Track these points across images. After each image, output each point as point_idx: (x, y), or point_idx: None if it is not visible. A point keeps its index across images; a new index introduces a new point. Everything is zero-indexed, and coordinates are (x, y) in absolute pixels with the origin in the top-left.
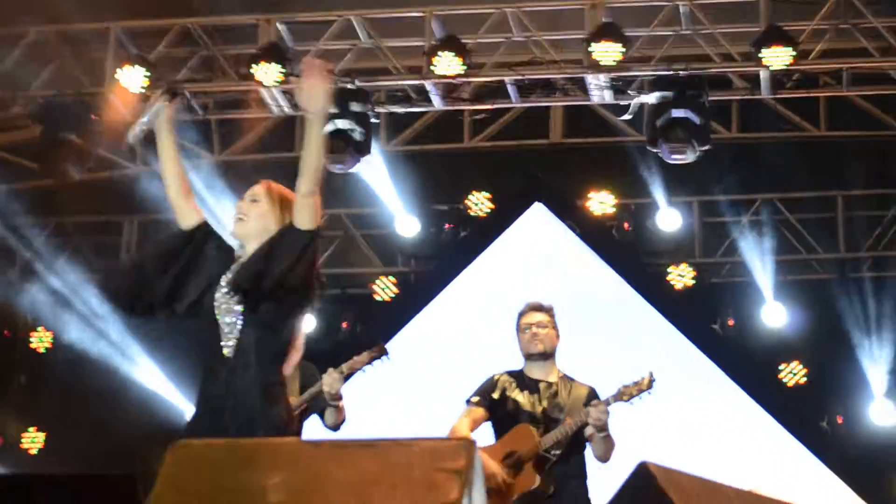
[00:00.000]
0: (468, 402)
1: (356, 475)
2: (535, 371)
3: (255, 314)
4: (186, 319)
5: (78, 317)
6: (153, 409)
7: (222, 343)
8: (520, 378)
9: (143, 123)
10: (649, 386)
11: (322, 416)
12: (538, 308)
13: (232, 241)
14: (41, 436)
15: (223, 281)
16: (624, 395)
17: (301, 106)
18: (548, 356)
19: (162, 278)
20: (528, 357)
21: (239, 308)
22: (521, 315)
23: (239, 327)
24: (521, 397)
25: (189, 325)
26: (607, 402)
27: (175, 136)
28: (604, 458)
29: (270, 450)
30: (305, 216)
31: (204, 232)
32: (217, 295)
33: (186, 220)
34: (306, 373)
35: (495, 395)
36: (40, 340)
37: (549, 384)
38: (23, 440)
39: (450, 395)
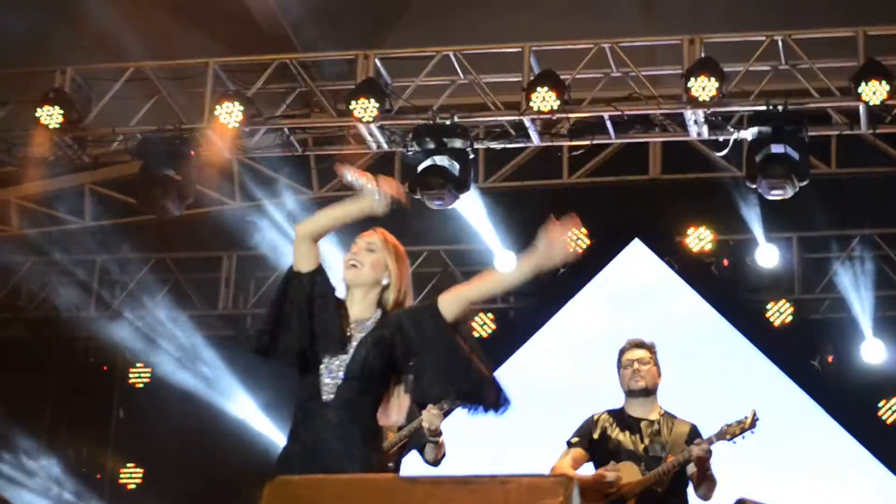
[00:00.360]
0: (568, 443)
1: None
2: (636, 409)
3: (363, 369)
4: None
5: (177, 352)
6: (250, 445)
7: (322, 387)
8: (620, 416)
9: (356, 181)
10: (752, 425)
11: (422, 451)
12: (640, 345)
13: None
14: (139, 471)
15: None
16: (727, 433)
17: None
18: (649, 393)
19: (298, 322)
20: (630, 393)
21: (346, 358)
22: (622, 352)
23: (342, 377)
24: (622, 436)
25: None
26: (710, 441)
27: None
28: (706, 496)
29: (367, 486)
30: (454, 304)
31: (323, 275)
32: (327, 343)
33: (307, 263)
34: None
35: (595, 435)
36: (139, 376)
37: (651, 422)
38: (121, 475)
39: (551, 434)
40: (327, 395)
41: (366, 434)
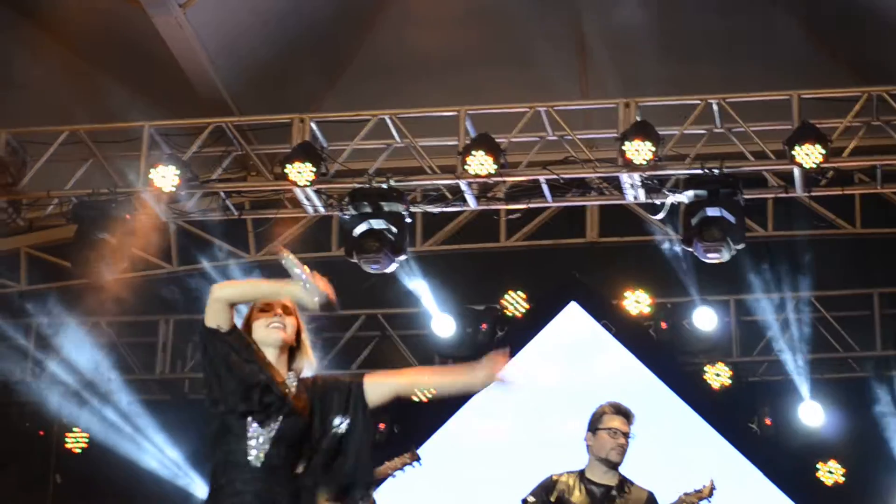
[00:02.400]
0: (523, 501)
1: None
2: (598, 474)
3: (294, 432)
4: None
5: (113, 418)
6: None
7: (248, 450)
8: (580, 479)
9: (293, 267)
10: (710, 494)
11: None
12: (628, 416)
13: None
14: None
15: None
16: (685, 503)
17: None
18: (619, 465)
19: (228, 379)
20: (602, 461)
21: (277, 425)
22: (607, 415)
23: (272, 438)
24: (581, 500)
25: (201, 416)
26: None
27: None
28: None
29: None
30: (381, 398)
31: (240, 333)
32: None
33: (224, 322)
34: None
35: (552, 497)
36: (76, 440)
37: (609, 488)
38: None
39: (494, 493)
40: (255, 459)
41: (293, 496)
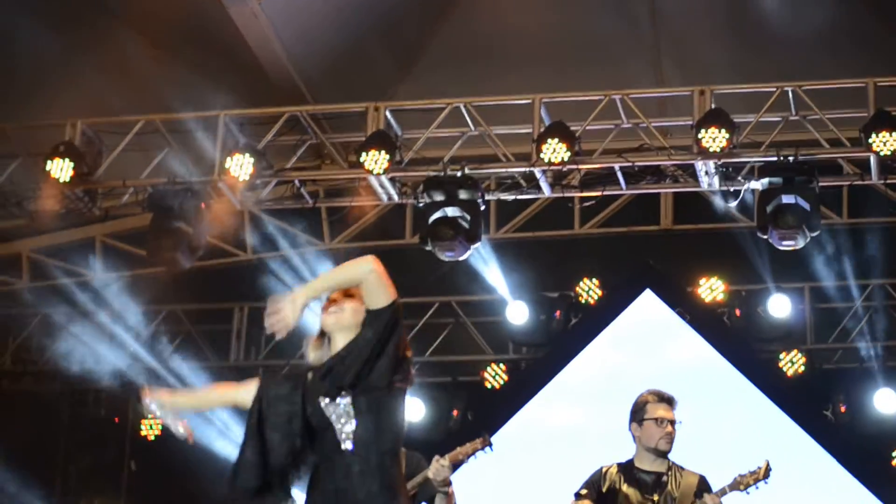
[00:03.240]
0: (577, 494)
1: None
2: (647, 462)
3: (365, 403)
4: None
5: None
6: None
7: (339, 437)
8: (629, 469)
9: (169, 421)
10: (766, 475)
11: (432, 503)
12: (671, 402)
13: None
14: None
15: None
16: (740, 484)
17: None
18: (668, 453)
19: (265, 456)
20: (651, 450)
21: (346, 401)
22: (647, 404)
23: (354, 421)
24: (631, 491)
25: None
26: (723, 492)
27: (188, 395)
28: None
29: None
30: (377, 293)
31: (266, 384)
32: (319, 404)
33: (250, 397)
34: (412, 461)
35: (604, 489)
36: (150, 428)
37: (659, 475)
38: None
39: (559, 485)
40: (345, 442)
41: (386, 480)
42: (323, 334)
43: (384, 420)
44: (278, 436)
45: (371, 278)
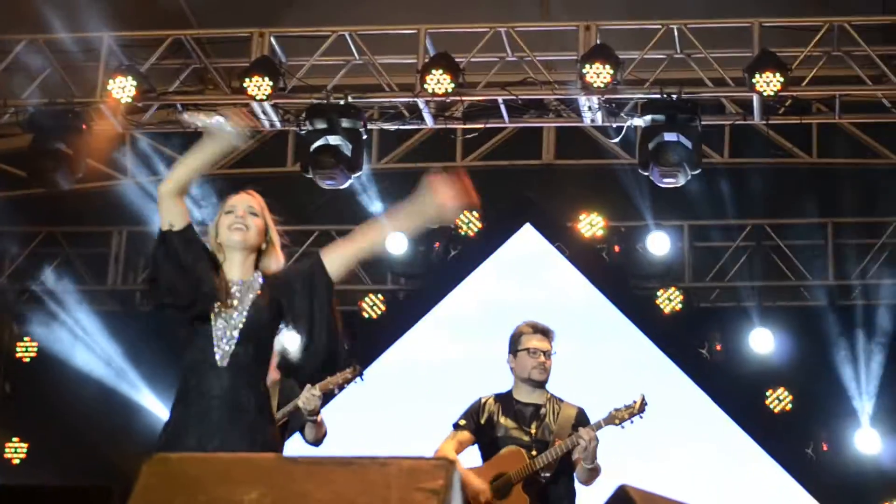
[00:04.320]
0: (455, 425)
1: (333, 494)
2: (525, 394)
3: (257, 330)
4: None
5: (64, 328)
6: (135, 421)
7: (215, 351)
8: (507, 401)
9: (205, 122)
10: (641, 409)
11: (302, 432)
12: (546, 333)
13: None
14: (24, 446)
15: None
16: (616, 418)
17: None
18: (545, 384)
19: (182, 282)
20: (526, 381)
21: (240, 320)
22: (522, 335)
23: (237, 339)
24: (509, 422)
25: (168, 329)
26: (598, 426)
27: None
28: (588, 482)
29: (247, 465)
30: (340, 270)
31: (194, 231)
32: (212, 293)
33: (176, 219)
34: (285, 389)
35: (482, 420)
36: (26, 350)
37: (538, 407)
38: (6, 450)
39: (436, 416)
40: (221, 359)
41: (258, 400)
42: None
43: (263, 346)
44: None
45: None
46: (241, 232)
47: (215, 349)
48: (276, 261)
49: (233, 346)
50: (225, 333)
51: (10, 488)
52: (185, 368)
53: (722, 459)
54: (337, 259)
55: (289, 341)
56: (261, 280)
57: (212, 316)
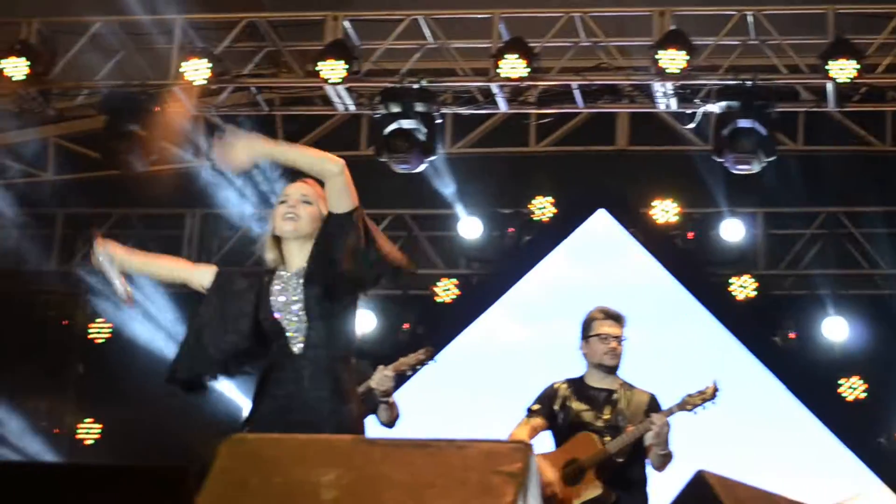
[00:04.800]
0: (528, 410)
1: (410, 476)
2: (597, 379)
3: (322, 308)
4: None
5: (137, 309)
6: (210, 402)
7: (290, 342)
8: (580, 386)
9: (113, 279)
10: (713, 395)
11: (376, 413)
12: (618, 319)
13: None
14: (97, 427)
15: (293, 283)
16: (688, 404)
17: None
18: (617, 369)
19: (206, 349)
20: (598, 367)
21: (300, 306)
22: (594, 320)
23: (305, 324)
24: (582, 407)
25: None
26: (670, 411)
27: (127, 254)
28: (660, 468)
29: (324, 447)
30: (345, 197)
31: (223, 277)
32: (275, 300)
33: (203, 281)
34: (358, 370)
35: (556, 406)
36: (99, 331)
37: (610, 392)
38: (78, 430)
39: (509, 401)
40: (296, 347)
41: (337, 384)
42: (276, 239)
43: (337, 326)
44: (225, 331)
45: (339, 181)
46: (291, 222)
47: (290, 339)
48: None
49: (305, 331)
50: (292, 322)
51: (85, 467)
52: (267, 360)
53: (794, 447)
54: (338, 190)
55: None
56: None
57: (277, 313)
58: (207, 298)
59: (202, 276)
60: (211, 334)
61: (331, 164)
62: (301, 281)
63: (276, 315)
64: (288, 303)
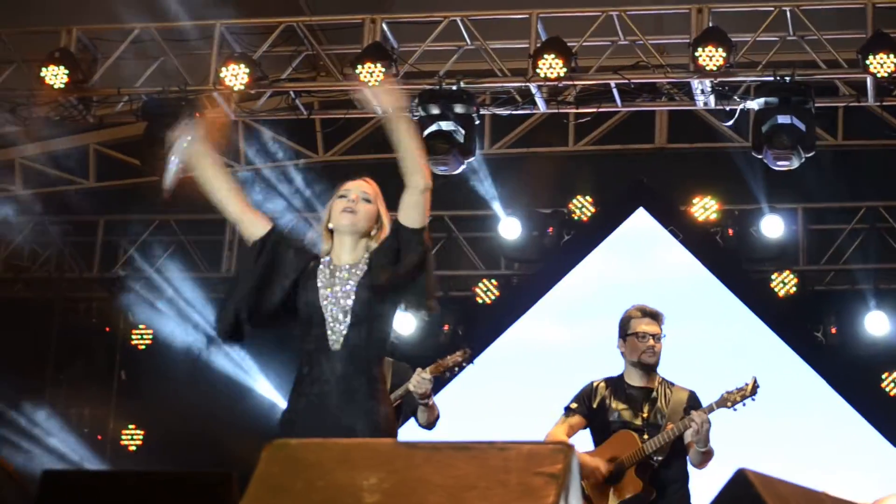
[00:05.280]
0: (566, 408)
1: (452, 478)
2: (636, 378)
3: (368, 310)
4: (276, 326)
5: (178, 314)
6: (251, 407)
7: (329, 336)
8: (619, 385)
9: (175, 164)
10: (753, 392)
11: (415, 415)
12: (656, 317)
13: (313, 241)
14: (140, 433)
15: (344, 276)
16: (728, 401)
17: (383, 106)
18: (656, 367)
19: (244, 296)
20: (636, 365)
21: (350, 302)
22: (632, 319)
23: (349, 322)
24: (621, 405)
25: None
26: (710, 408)
27: (215, 156)
28: (701, 465)
29: (366, 450)
30: (419, 214)
31: (276, 237)
32: (323, 290)
33: (255, 231)
34: (399, 372)
35: (594, 404)
36: (141, 337)
37: (649, 391)
38: (122, 437)
39: (549, 400)
40: (334, 343)
41: (371, 384)
42: (329, 232)
43: (377, 328)
44: (258, 289)
45: (420, 196)
46: (350, 215)
47: (329, 333)
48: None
49: (346, 329)
50: (337, 317)
51: (130, 474)
52: (301, 355)
53: (838, 443)
54: (413, 207)
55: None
56: (367, 263)
57: (323, 302)
58: (267, 248)
59: (254, 225)
60: (247, 286)
61: (421, 177)
62: (353, 279)
63: (322, 304)
64: (336, 296)
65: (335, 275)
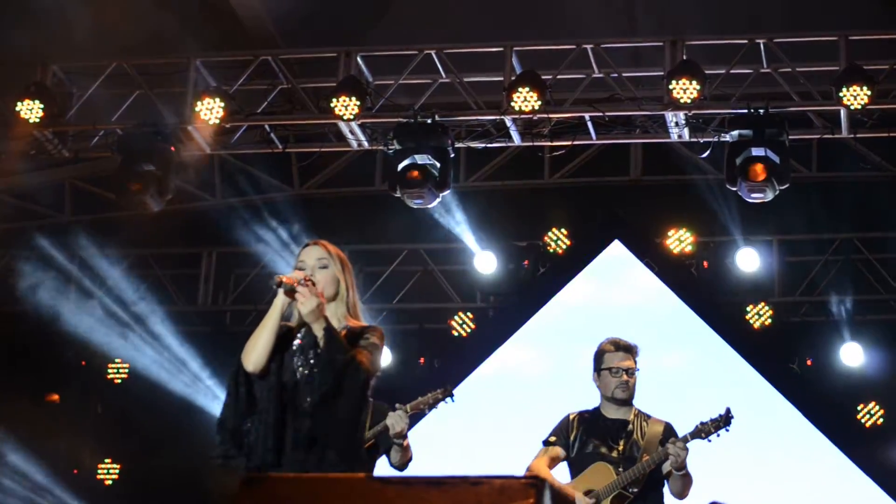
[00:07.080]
0: (545, 441)
1: None
2: (611, 410)
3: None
4: None
5: (154, 349)
6: None
7: (299, 368)
8: (595, 417)
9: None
10: (727, 422)
11: (388, 455)
12: (630, 350)
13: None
14: (116, 467)
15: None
16: (702, 431)
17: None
18: (630, 401)
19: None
20: (611, 400)
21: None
22: (605, 353)
23: (315, 389)
24: (597, 438)
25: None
26: (685, 439)
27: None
28: (681, 495)
29: (338, 486)
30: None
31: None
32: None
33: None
34: (378, 411)
35: (571, 436)
36: (117, 371)
37: (625, 423)
38: (98, 471)
39: (526, 433)
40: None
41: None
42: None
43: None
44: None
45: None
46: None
47: (300, 394)
48: (350, 306)
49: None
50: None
51: None
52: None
53: (813, 474)
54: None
55: None
56: (345, 325)
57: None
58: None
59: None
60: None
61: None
62: (314, 357)
63: (296, 377)
64: (304, 367)
65: (304, 351)
